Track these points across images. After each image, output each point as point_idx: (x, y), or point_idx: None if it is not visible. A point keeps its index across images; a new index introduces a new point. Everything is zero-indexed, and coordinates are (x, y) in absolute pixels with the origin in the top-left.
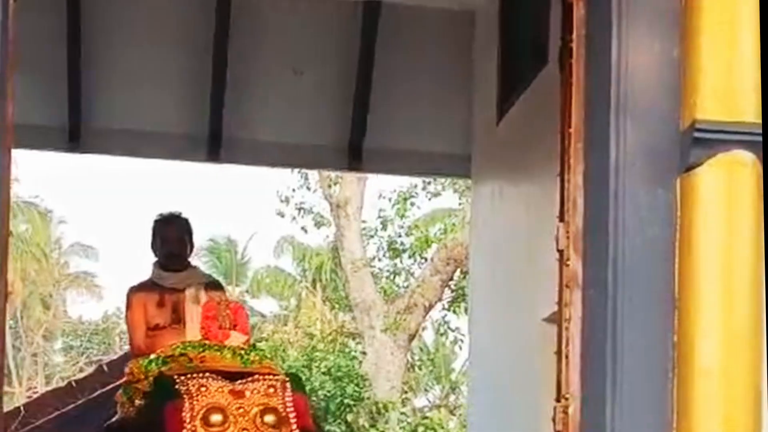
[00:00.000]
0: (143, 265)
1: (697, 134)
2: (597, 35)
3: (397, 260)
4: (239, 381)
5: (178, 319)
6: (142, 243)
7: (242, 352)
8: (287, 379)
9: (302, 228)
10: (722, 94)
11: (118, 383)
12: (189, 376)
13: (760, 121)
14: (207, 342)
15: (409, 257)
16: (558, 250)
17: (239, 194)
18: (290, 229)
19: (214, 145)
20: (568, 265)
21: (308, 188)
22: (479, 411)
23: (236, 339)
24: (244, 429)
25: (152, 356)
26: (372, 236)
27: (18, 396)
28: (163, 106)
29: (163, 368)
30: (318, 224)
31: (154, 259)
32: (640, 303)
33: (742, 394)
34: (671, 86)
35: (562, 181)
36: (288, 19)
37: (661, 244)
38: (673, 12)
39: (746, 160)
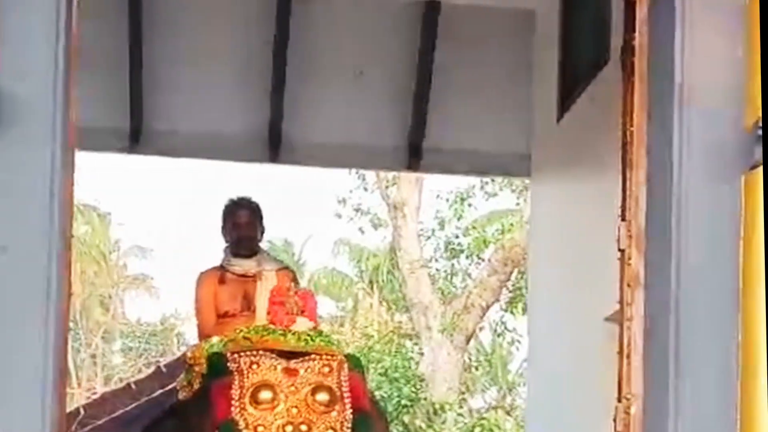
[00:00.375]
0: (200, 266)
1: (761, 132)
2: (660, 34)
3: (455, 261)
4: (294, 360)
5: (248, 306)
6: (199, 244)
7: (307, 337)
8: (345, 358)
9: (359, 229)
10: None
11: (176, 383)
12: (241, 353)
13: None
14: (272, 327)
15: (466, 258)
16: (619, 249)
17: (296, 196)
18: (347, 230)
19: (273, 146)
20: (630, 264)
21: (365, 189)
22: (538, 411)
23: (302, 325)
24: (294, 407)
25: (214, 339)
26: (429, 237)
27: (77, 397)
28: (223, 108)
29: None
30: (375, 225)
31: (225, 244)
32: (704, 302)
33: None
34: (735, 85)
35: (624, 179)
36: (348, 19)
37: (725, 242)
38: (736, 10)
39: None
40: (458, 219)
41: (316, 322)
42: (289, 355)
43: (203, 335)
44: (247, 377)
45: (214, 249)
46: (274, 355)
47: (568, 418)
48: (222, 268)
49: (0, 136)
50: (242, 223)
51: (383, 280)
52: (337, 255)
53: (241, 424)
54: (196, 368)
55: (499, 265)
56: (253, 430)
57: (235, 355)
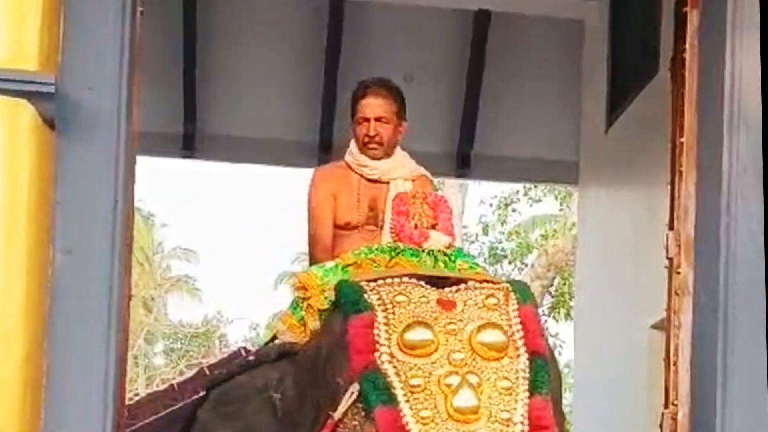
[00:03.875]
0: (243, 268)
1: None
2: (711, 46)
3: (498, 266)
4: (448, 288)
5: (375, 219)
6: (243, 247)
7: (446, 258)
8: (512, 288)
9: None
10: None
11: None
12: (382, 281)
13: None
14: (399, 245)
15: (510, 263)
16: (668, 258)
17: None
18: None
19: (324, 151)
20: (678, 273)
21: None
22: (584, 417)
23: (437, 241)
24: (455, 352)
25: (329, 264)
26: (473, 242)
27: None
28: (275, 113)
29: (344, 278)
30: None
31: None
32: (751, 311)
33: None
34: None
35: (672, 189)
36: (399, 26)
37: None
38: None
39: None
40: (502, 224)
41: (453, 236)
42: (438, 282)
43: (318, 250)
44: (393, 313)
45: (259, 252)
46: (422, 283)
47: (613, 423)
48: (348, 167)
49: (67, 142)
50: (371, 116)
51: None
52: None
53: (391, 375)
54: (311, 302)
55: (542, 270)
56: (407, 382)
57: (373, 284)
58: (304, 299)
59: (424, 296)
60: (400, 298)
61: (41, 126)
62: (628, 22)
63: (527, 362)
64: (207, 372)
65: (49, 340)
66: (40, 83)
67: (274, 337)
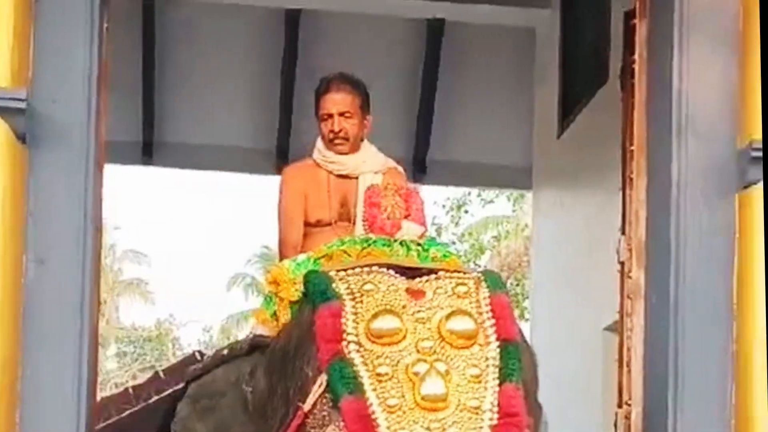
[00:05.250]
0: (196, 271)
1: (754, 153)
2: (659, 55)
3: None
4: (418, 279)
5: (347, 214)
6: (196, 250)
7: (419, 247)
8: (483, 276)
9: None
10: None
11: (174, 389)
12: (351, 271)
13: None
14: (371, 236)
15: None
16: (619, 262)
17: None
18: None
19: (281, 158)
20: (630, 277)
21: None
22: None
23: (410, 231)
24: (424, 339)
25: (301, 257)
26: None
27: None
28: (233, 122)
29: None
30: None
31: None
32: (701, 313)
33: None
34: (730, 106)
35: (624, 194)
36: (355, 35)
37: (721, 256)
38: (732, 34)
39: None
40: (455, 225)
41: (425, 227)
42: (408, 273)
43: (288, 249)
44: (361, 301)
45: (212, 255)
46: (391, 272)
47: (568, 423)
48: (316, 164)
49: (38, 155)
50: (334, 111)
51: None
52: None
53: (358, 364)
54: (282, 294)
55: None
56: (374, 371)
57: (342, 273)
58: (276, 294)
59: (393, 285)
60: (368, 286)
61: (13, 140)
62: (579, 31)
63: (498, 350)
64: (162, 375)
65: (23, 347)
66: (11, 99)
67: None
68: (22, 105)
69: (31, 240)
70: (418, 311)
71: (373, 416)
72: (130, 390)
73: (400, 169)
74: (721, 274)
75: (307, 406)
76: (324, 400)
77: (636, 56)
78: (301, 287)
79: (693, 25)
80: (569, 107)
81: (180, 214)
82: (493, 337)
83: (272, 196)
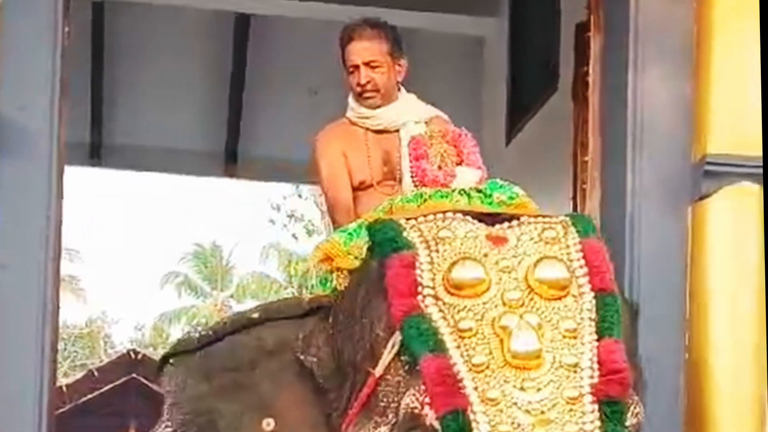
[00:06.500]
0: (128, 269)
1: (708, 167)
2: (613, 69)
3: None
4: (498, 225)
5: (391, 173)
6: (127, 247)
7: (480, 194)
8: (571, 220)
9: (293, 235)
10: (730, 129)
11: (107, 388)
12: (422, 218)
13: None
14: (425, 190)
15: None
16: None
17: (232, 202)
18: (276, 235)
19: (230, 161)
20: None
21: (300, 196)
22: None
23: (466, 177)
24: (511, 290)
25: (351, 227)
26: None
27: None
28: (181, 124)
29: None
30: (309, 232)
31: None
32: (654, 325)
33: (750, 411)
34: (684, 120)
35: (575, 205)
36: (304, 40)
37: (674, 267)
38: (686, 49)
39: (752, 190)
40: None
41: (482, 170)
42: (483, 218)
43: (341, 214)
44: (437, 250)
45: (145, 253)
46: (468, 218)
47: None
48: (351, 123)
49: (4, 162)
50: (360, 62)
51: (314, 285)
52: (265, 260)
53: (437, 319)
54: (341, 264)
55: None
56: (455, 326)
57: (412, 222)
58: (330, 271)
59: (471, 231)
60: (444, 233)
61: None
62: (528, 40)
63: (593, 301)
64: (95, 374)
65: None
66: None
67: None
68: None
69: None
70: (502, 259)
71: (458, 376)
72: (64, 388)
73: (445, 116)
74: (674, 286)
75: (378, 371)
76: (398, 364)
77: (590, 69)
78: (360, 254)
79: (647, 40)
80: (518, 116)
81: (114, 213)
82: (587, 287)
83: (212, 196)
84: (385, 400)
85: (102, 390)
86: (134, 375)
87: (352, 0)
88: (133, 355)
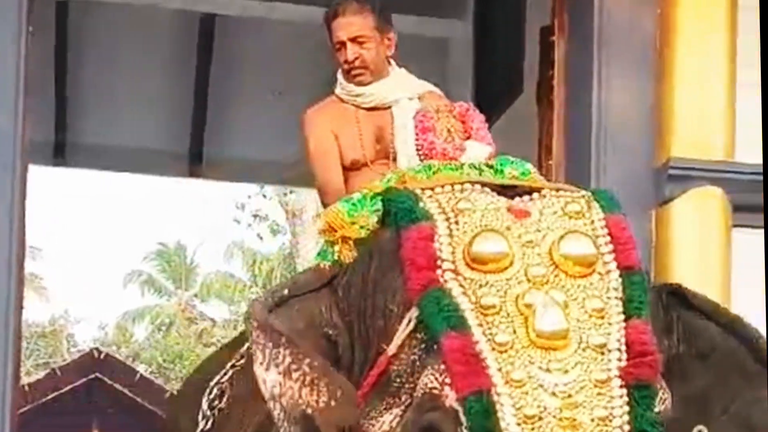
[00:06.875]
0: (91, 267)
1: (671, 171)
2: (578, 72)
3: None
4: (518, 198)
5: (384, 151)
6: (90, 245)
7: (491, 169)
8: (594, 195)
9: (258, 235)
10: (694, 133)
11: (70, 387)
12: (440, 188)
13: (727, 159)
14: (434, 162)
15: None
16: None
17: (196, 201)
18: (241, 235)
19: (194, 161)
20: None
21: (264, 196)
22: None
23: (477, 152)
24: (533, 266)
25: (355, 196)
26: None
27: None
28: (146, 124)
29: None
30: (274, 232)
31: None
32: None
33: None
34: (648, 124)
35: None
36: (269, 41)
37: None
38: (650, 53)
39: (716, 194)
40: None
41: (492, 145)
42: (502, 191)
43: (330, 196)
44: (457, 223)
45: (108, 251)
46: (487, 189)
47: None
48: (340, 101)
49: None
50: (347, 39)
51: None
52: (229, 259)
53: (457, 294)
54: (346, 233)
55: None
56: (477, 302)
57: (429, 192)
58: (333, 241)
59: (492, 203)
60: (463, 204)
61: None
62: (493, 42)
63: (620, 279)
64: (58, 373)
65: None
66: None
67: None
68: None
69: None
70: (525, 233)
71: (481, 356)
72: (26, 387)
73: (439, 91)
74: None
75: (392, 350)
76: (414, 342)
77: (555, 72)
78: (367, 223)
79: (611, 44)
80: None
81: (78, 212)
82: (612, 265)
83: (177, 195)
84: (398, 380)
85: (65, 389)
86: (97, 374)
87: (318, 1)
88: (96, 354)
